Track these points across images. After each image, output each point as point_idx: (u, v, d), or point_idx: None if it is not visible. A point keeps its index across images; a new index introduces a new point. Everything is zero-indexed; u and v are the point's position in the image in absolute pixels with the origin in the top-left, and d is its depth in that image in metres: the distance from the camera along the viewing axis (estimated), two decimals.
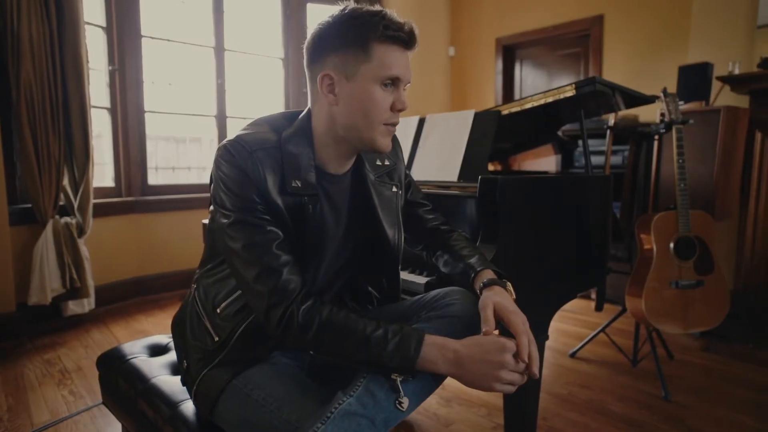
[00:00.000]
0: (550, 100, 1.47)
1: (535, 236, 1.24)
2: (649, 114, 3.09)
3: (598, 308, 2.09)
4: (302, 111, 0.96)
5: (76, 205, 2.63)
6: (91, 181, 2.67)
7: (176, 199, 3.29)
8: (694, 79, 2.54)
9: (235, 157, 0.84)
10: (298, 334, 0.81)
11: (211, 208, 0.97)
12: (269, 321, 0.82)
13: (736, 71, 2.49)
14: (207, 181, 3.54)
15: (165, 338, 1.34)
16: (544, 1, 3.95)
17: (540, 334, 1.30)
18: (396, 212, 1.04)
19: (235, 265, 0.85)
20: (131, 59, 3.08)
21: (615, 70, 3.52)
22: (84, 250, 2.65)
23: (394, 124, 0.90)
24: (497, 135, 1.51)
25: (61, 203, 2.60)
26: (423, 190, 1.38)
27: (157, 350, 1.29)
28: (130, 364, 1.18)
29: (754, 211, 2.55)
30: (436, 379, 0.85)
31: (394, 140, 1.06)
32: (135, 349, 1.26)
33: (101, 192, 2.99)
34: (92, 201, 2.70)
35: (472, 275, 0.96)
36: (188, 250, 3.30)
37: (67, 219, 2.60)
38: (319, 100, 0.90)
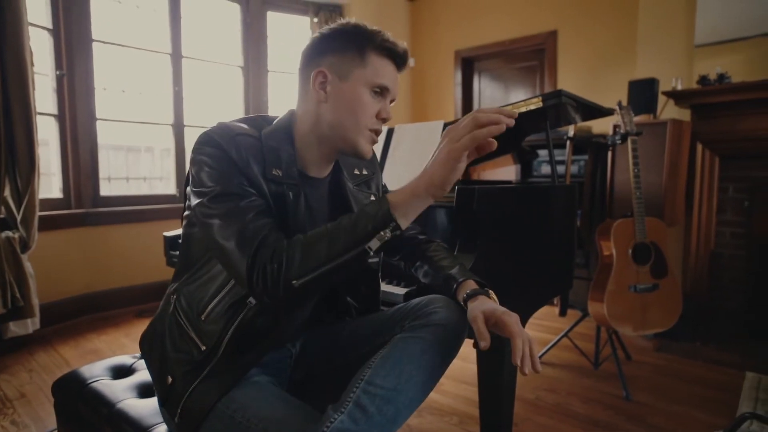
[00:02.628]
0: (521, 111, 1.51)
1: (512, 244, 1.27)
2: (601, 126, 3.25)
3: (562, 313, 2.16)
4: (280, 115, 0.97)
5: (19, 218, 2.45)
6: (36, 193, 2.50)
7: (130, 211, 3.13)
8: (643, 94, 2.69)
9: (218, 141, 0.84)
10: (274, 281, 0.77)
11: (186, 213, 0.93)
12: (251, 286, 0.78)
13: (679, 87, 2.67)
14: (163, 191, 3.40)
15: (128, 358, 1.27)
16: (500, 16, 4.08)
17: None
18: None
19: (215, 237, 0.82)
20: (81, 64, 2.93)
21: (569, 84, 3.68)
22: (28, 267, 2.47)
23: (377, 132, 0.93)
24: None
25: (1, 216, 2.42)
26: None
27: (120, 372, 1.21)
28: (91, 388, 1.10)
29: (698, 218, 2.72)
30: (424, 388, 0.84)
31: (372, 152, 1.06)
32: (96, 372, 1.18)
33: (48, 204, 2.80)
34: (38, 213, 2.52)
35: (455, 286, 0.96)
36: (144, 264, 3.15)
37: (9, 233, 2.42)
38: (307, 99, 0.92)
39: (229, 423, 0.82)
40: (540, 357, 2.34)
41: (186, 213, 0.95)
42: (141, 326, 2.87)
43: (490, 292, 0.93)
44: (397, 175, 1.67)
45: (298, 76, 0.95)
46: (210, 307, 0.89)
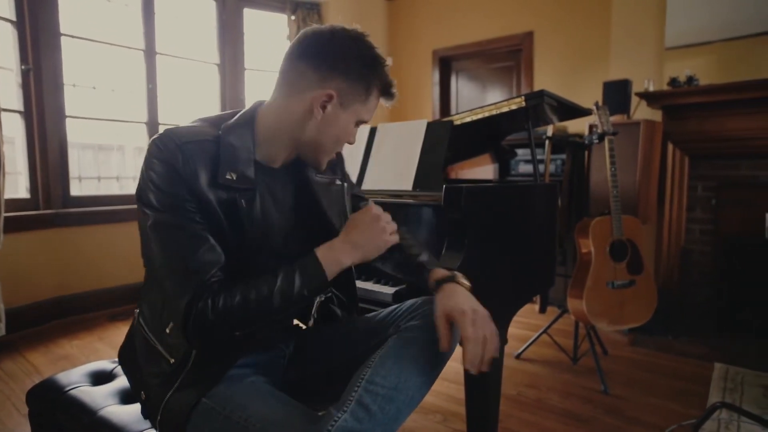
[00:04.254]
0: (504, 110, 1.53)
1: (499, 242, 1.28)
2: (576, 125, 3.31)
3: (542, 310, 2.19)
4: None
5: None
6: (1, 193, 2.40)
7: (102, 212, 3.04)
8: (617, 94, 2.76)
9: (163, 152, 0.82)
10: (211, 330, 0.79)
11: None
12: (187, 332, 0.79)
13: (651, 88, 2.75)
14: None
15: (108, 363, 1.23)
16: (478, 16, 4.13)
17: (500, 337, 1.34)
18: (343, 204, 1.04)
19: (155, 267, 0.82)
20: (48, 59, 2.82)
21: (545, 84, 3.75)
22: None
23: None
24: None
25: None
26: (377, 200, 1.39)
27: (100, 378, 1.17)
28: (69, 396, 1.06)
29: (669, 215, 2.81)
30: (423, 386, 0.84)
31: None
32: (74, 379, 1.14)
33: (14, 204, 2.69)
34: (3, 214, 2.42)
35: (425, 274, 0.96)
36: (117, 266, 3.06)
37: None
38: (296, 103, 0.88)
39: (224, 423, 0.81)
40: (520, 354, 2.40)
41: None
42: (115, 330, 2.79)
43: (458, 275, 0.92)
44: (382, 174, 1.67)
45: (288, 64, 0.90)
46: (172, 323, 0.87)
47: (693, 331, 2.68)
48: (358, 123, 0.95)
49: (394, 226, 0.93)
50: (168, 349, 0.87)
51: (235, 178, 0.84)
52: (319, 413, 0.79)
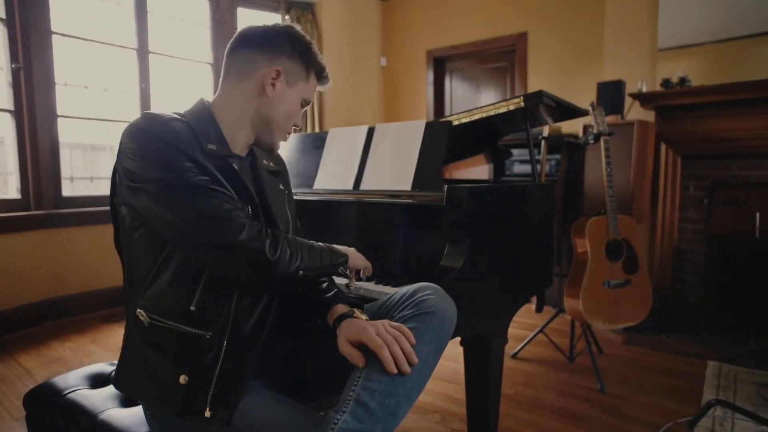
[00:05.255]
0: (502, 111, 1.53)
1: (501, 242, 1.28)
2: (570, 126, 3.34)
3: (539, 310, 2.21)
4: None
5: None
6: None
7: (94, 212, 3.00)
8: (611, 95, 2.78)
9: (152, 132, 0.84)
10: (289, 262, 0.86)
11: (126, 222, 0.90)
12: (268, 264, 0.83)
13: (644, 89, 2.77)
14: None
15: (106, 366, 1.21)
16: (472, 16, 4.14)
17: (500, 336, 1.34)
18: (284, 209, 1.09)
19: (190, 232, 0.82)
20: (39, 57, 2.78)
21: (539, 85, 3.77)
22: None
23: (289, 134, 1.05)
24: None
25: None
26: (374, 199, 1.44)
27: (99, 381, 1.16)
28: (68, 399, 1.05)
29: (662, 215, 2.84)
30: (421, 377, 0.83)
31: (277, 153, 1.19)
32: (71, 382, 1.12)
33: (5, 205, 2.66)
34: None
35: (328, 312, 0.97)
36: (110, 267, 3.02)
37: None
38: (246, 83, 0.96)
39: (226, 430, 0.80)
40: (516, 353, 2.41)
41: (122, 225, 0.91)
42: (108, 332, 2.76)
43: (355, 311, 0.94)
44: (380, 174, 1.66)
45: (235, 60, 0.97)
46: (197, 294, 0.86)
47: (686, 330, 2.71)
48: (304, 103, 1.03)
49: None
50: (199, 324, 0.85)
51: (216, 148, 0.90)
52: (321, 413, 0.79)
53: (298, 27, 1.02)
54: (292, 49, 0.98)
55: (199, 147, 0.87)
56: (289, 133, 1.04)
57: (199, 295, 0.86)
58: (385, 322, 0.85)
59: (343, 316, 0.92)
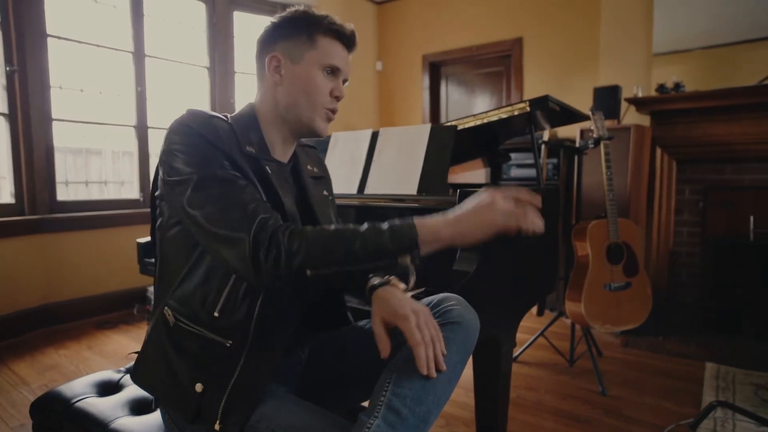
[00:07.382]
0: (507, 115, 1.54)
1: (510, 247, 1.29)
2: (566, 131, 3.36)
3: (540, 313, 2.22)
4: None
5: None
6: None
7: (90, 217, 2.96)
8: (607, 100, 2.81)
9: (192, 127, 0.85)
10: (288, 260, 0.77)
11: (160, 220, 0.91)
12: (257, 263, 0.77)
13: (639, 94, 2.81)
14: (125, 196, 3.25)
15: (114, 373, 1.19)
16: (468, 21, 4.17)
17: (509, 340, 1.35)
18: (329, 214, 1.07)
19: (206, 225, 0.80)
20: (34, 60, 2.75)
21: (534, 90, 3.80)
22: None
23: (333, 111, 0.98)
24: None
25: None
26: (381, 204, 1.44)
27: (107, 388, 1.14)
28: (77, 408, 1.03)
29: (658, 218, 2.87)
30: (449, 385, 0.82)
31: (321, 158, 1.17)
32: (79, 390, 1.10)
33: None
34: None
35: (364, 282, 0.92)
36: (105, 273, 2.99)
37: None
38: (264, 84, 0.97)
39: None
40: (517, 357, 2.42)
41: (160, 220, 0.92)
42: (104, 338, 2.72)
43: (392, 279, 0.89)
44: (385, 178, 1.67)
45: (256, 64, 0.99)
46: (222, 300, 0.85)
47: (682, 331, 2.74)
48: (329, 70, 0.95)
49: (526, 211, 0.84)
50: (220, 332, 0.85)
51: (254, 151, 0.90)
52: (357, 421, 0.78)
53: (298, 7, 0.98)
54: (284, 29, 0.95)
55: (238, 147, 0.87)
56: (331, 110, 0.97)
57: (224, 302, 0.85)
58: (427, 312, 0.80)
59: (380, 284, 0.86)
